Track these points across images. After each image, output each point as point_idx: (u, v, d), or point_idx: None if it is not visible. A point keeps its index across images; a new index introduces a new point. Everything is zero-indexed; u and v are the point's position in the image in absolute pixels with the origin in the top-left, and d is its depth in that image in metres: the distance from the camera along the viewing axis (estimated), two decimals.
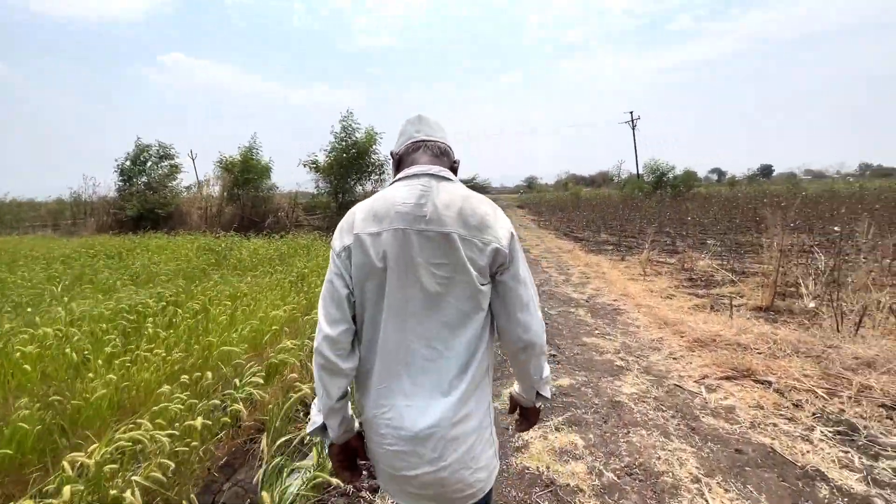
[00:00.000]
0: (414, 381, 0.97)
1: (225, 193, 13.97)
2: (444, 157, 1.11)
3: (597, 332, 4.33)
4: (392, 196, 0.99)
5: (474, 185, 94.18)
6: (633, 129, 38.74)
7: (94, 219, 15.78)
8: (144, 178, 15.67)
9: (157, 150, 15.82)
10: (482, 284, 0.97)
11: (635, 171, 36.94)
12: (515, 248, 1.00)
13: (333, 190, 12.72)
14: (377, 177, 13.13)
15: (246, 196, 13.59)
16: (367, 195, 13.47)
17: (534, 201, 33.32)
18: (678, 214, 15.51)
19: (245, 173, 13.50)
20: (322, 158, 12.36)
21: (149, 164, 15.69)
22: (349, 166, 12.41)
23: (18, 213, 19.24)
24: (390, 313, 0.97)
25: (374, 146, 12.66)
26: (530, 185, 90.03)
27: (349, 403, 1.06)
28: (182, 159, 16.48)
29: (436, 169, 1.03)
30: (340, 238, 1.01)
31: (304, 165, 12.60)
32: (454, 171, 1.13)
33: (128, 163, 15.60)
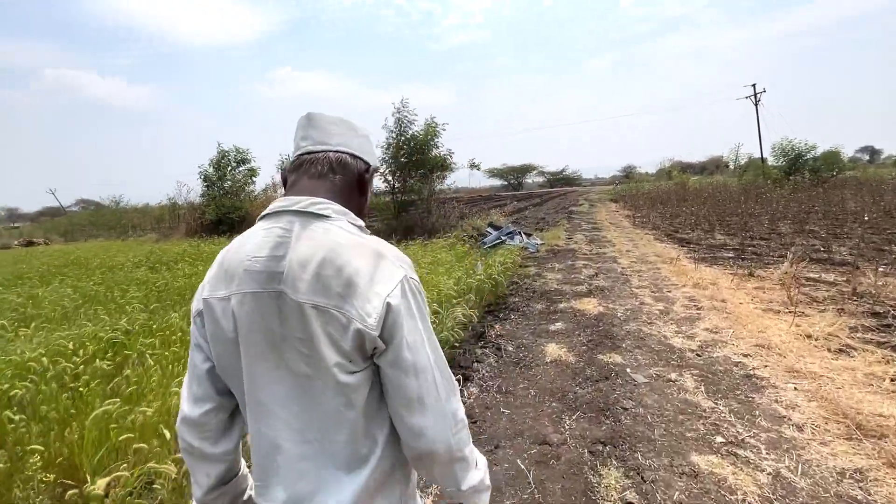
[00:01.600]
0: (287, 489, 0.72)
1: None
2: (336, 173, 0.81)
3: (719, 438, 2.43)
4: (243, 246, 0.76)
5: (563, 178, 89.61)
6: (756, 104, 32.72)
7: (185, 223, 16.75)
8: (228, 183, 16.22)
9: (235, 156, 16.28)
10: (348, 372, 0.70)
11: (759, 154, 31.18)
12: (397, 321, 0.70)
13: (391, 190, 11.71)
14: (439, 173, 11.85)
15: None
16: (431, 195, 12.23)
17: (630, 193, 29.57)
18: (827, 206, 11.90)
19: None
20: (378, 155, 11.42)
21: (228, 169, 16.20)
22: (408, 164, 11.29)
23: (132, 219, 21.52)
24: (252, 399, 0.74)
25: (435, 139, 11.39)
26: (628, 174, 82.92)
27: (236, 493, 0.86)
28: (259, 163, 16.78)
29: (304, 202, 0.75)
30: (196, 298, 0.81)
31: None
32: (361, 184, 0.85)
33: (210, 169, 16.25)
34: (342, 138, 0.84)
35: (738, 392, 2.92)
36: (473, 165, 11.90)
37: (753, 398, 2.83)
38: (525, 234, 10.47)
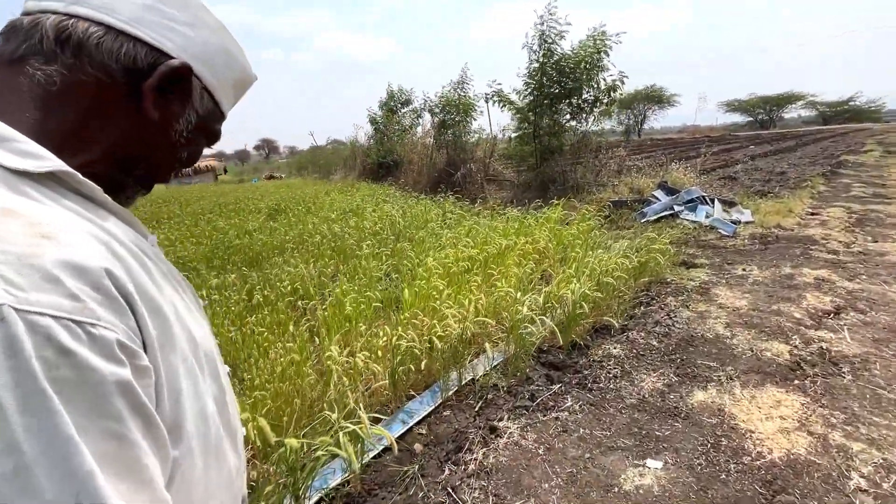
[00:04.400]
0: None
1: (432, 140, 12.59)
2: (50, 59, 0.42)
3: None
4: None
5: (848, 111, 64.34)
6: None
7: (361, 165, 17.65)
8: (396, 126, 16.07)
9: (399, 96, 15.81)
10: None
11: None
12: None
13: (533, 132, 9.01)
14: (604, 108, 8.50)
15: (447, 143, 11.73)
16: (583, 140, 9.13)
17: None
18: None
19: (447, 114, 11.52)
20: (519, 87, 8.77)
21: (393, 110, 15.95)
22: (558, 95, 8.35)
23: (333, 159, 24.20)
24: None
25: (601, 60, 8.05)
26: None
27: None
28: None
29: None
30: None
31: (487, 100, 9.29)
32: (139, 95, 0.45)
33: (378, 111, 16.28)
34: None
35: None
36: (653, 95, 8.12)
37: None
38: (724, 202, 6.68)
